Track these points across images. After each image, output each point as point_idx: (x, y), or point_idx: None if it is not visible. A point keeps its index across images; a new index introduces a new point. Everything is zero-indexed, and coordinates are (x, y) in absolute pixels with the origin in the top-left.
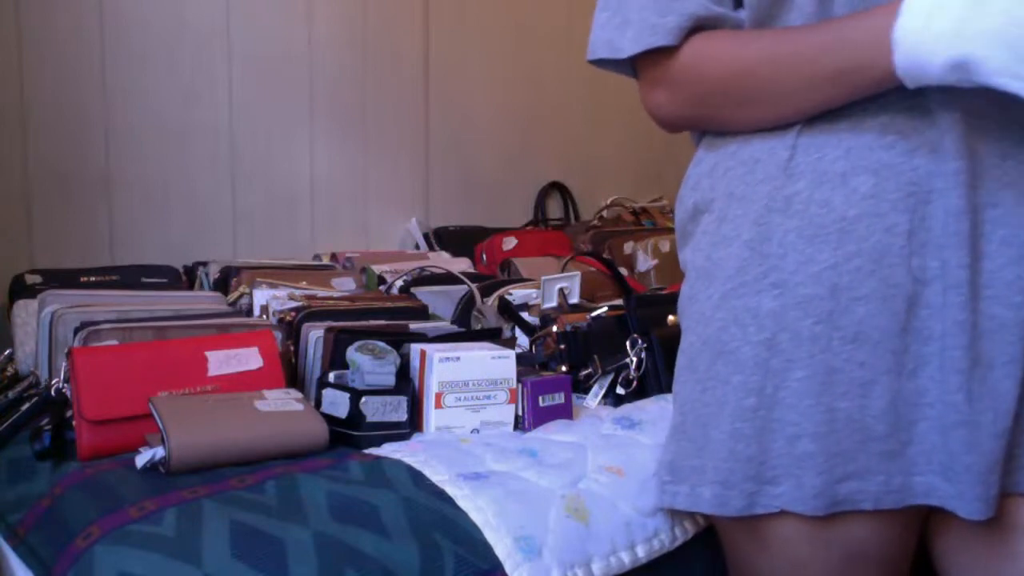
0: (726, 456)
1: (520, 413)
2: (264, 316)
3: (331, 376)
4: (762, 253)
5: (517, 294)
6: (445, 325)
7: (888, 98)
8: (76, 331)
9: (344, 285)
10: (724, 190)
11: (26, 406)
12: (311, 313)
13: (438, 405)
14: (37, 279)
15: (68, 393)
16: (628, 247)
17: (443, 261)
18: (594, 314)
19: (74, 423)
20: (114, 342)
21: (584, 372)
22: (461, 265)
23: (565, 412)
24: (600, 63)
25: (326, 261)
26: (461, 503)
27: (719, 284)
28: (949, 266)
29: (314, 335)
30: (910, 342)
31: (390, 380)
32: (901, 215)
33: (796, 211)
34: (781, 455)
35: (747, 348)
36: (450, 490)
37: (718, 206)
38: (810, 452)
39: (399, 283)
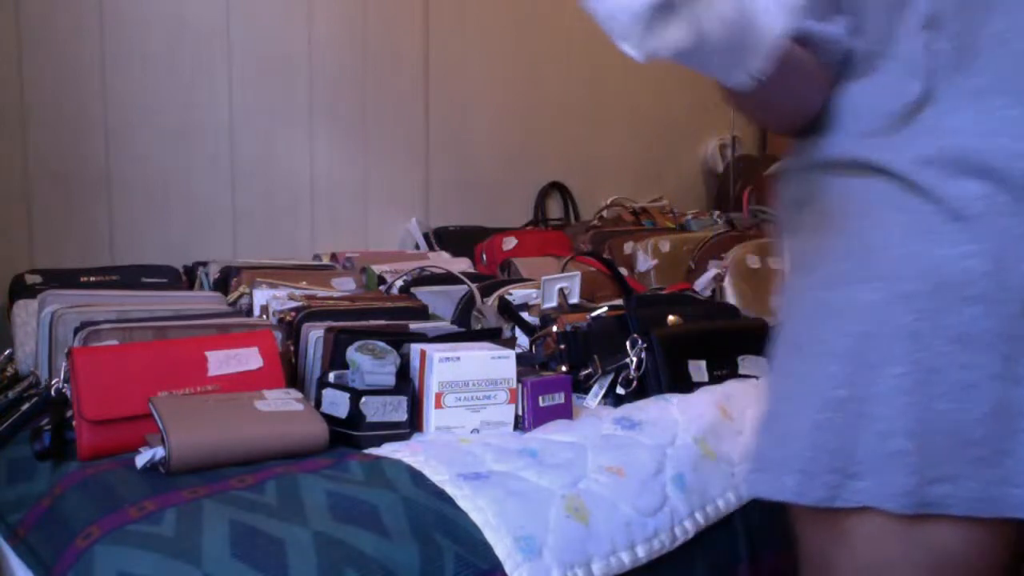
0: (810, 445)
1: (520, 413)
2: (264, 316)
3: (331, 376)
4: (866, 246)
5: (517, 294)
6: (445, 325)
7: None
8: (76, 331)
9: (344, 285)
10: (826, 183)
11: (26, 406)
12: (311, 313)
13: (438, 405)
14: (37, 279)
15: (68, 393)
16: (628, 247)
17: (443, 261)
18: (594, 314)
19: (74, 423)
20: (114, 342)
21: (584, 372)
22: (461, 265)
23: (565, 412)
24: None
25: (326, 261)
26: (461, 503)
27: (818, 274)
28: None
29: (314, 335)
30: (1021, 349)
31: (390, 380)
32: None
33: (905, 206)
34: (870, 450)
35: (843, 339)
36: (450, 490)
37: (820, 198)
38: (902, 450)
39: (399, 283)
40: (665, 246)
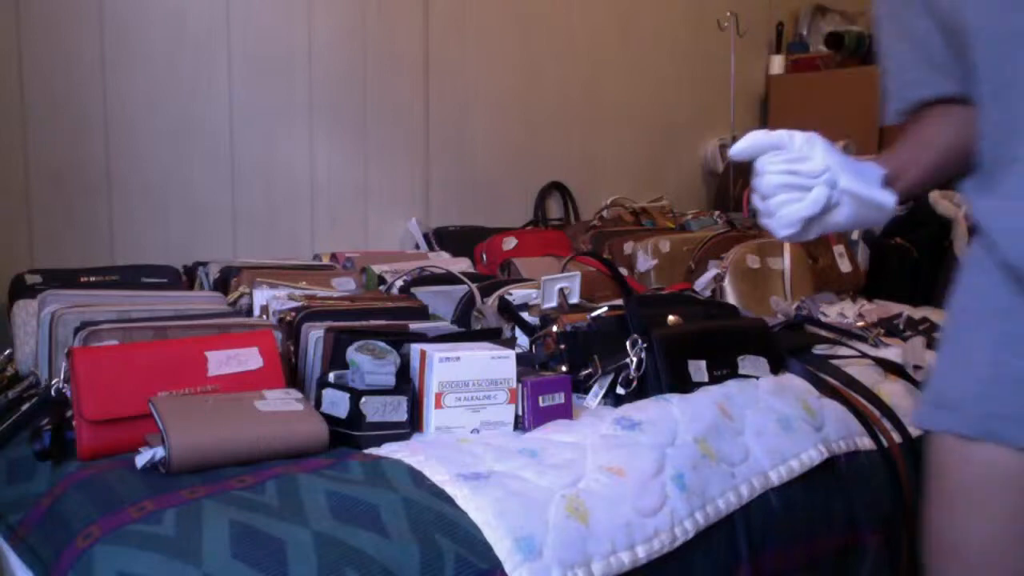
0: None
1: (520, 413)
2: (264, 316)
3: (331, 376)
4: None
5: (517, 294)
6: (445, 325)
7: None
8: (76, 331)
9: (344, 285)
10: None
11: (26, 406)
12: (311, 313)
13: (438, 405)
14: (37, 279)
15: (68, 393)
16: (628, 247)
17: (443, 261)
18: (594, 314)
19: (74, 423)
20: (114, 342)
21: (584, 372)
22: (461, 265)
23: (565, 412)
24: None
25: (326, 261)
26: (461, 503)
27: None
28: None
29: (314, 335)
30: None
31: (390, 380)
32: None
33: None
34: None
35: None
36: (450, 490)
37: None
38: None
39: (399, 283)
40: (665, 246)
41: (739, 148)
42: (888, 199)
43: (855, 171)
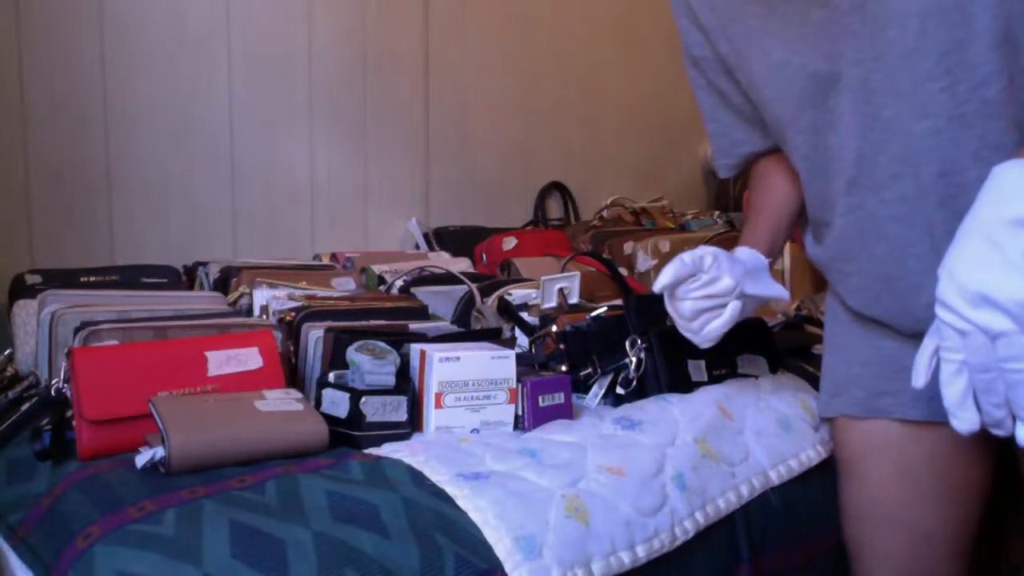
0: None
1: (520, 413)
2: (264, 316)
3: (331, 376)
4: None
5: (517, 294)
6: (445, 325)
7: None
8: (76, 331)
9: (344, 285)
10: None
11: (26, 406)
12: (311, 313)
13: (438, 405)
14: (37, 279)
15: (68, 393)
16: (628, 247)
17: (443, 261)
18: (594, 314)
19: (74, 423)
20: (114, 342)
21: (584, 372)
22: (461, 265)
23: (565, 412)
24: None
25: (326, 261)
26: (461, 503)
27: None
28: None
29: (314, 335)
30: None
31: (390, 380)
32: None
33: None
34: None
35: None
36: (450, 490)
37: None
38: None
39: (399, 283)
40: (665, 246)
41: (663, 284)
42: (783, 293)
43: (752, 276)
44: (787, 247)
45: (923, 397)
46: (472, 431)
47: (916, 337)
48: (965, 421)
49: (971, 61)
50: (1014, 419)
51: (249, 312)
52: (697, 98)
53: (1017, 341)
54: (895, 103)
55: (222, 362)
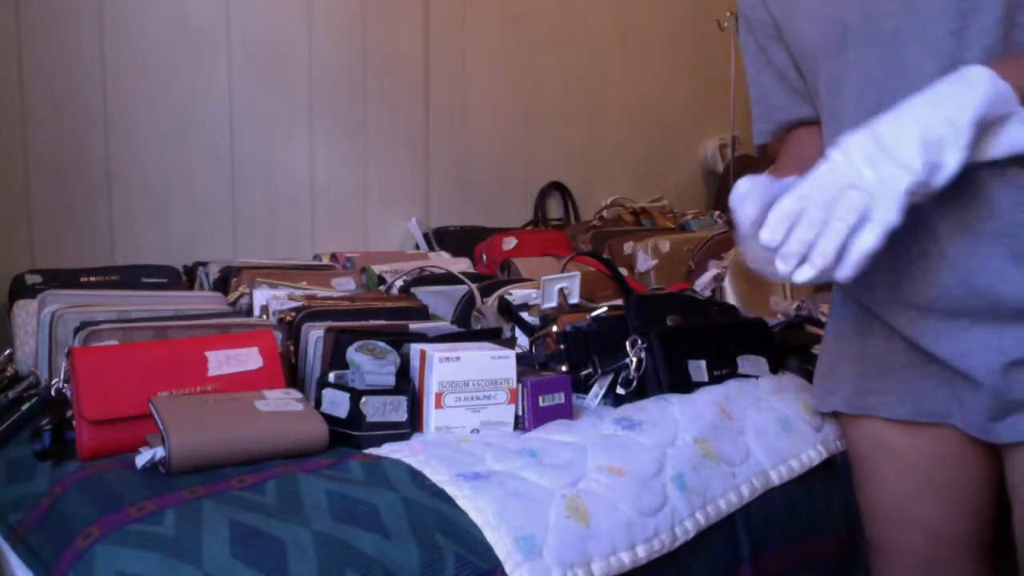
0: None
1: (520, 413)
2: (264, 316)
3: (331, 376)
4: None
5: (517, 294)
6: (445, 325)
7: None
8: (76, 331)
9: (344, 285)
10: None
11: (26, 406)
12: (311, 313)
13: (438, 405)
14: (37, 279)
15: (68, 393)
16: (628, 247)
17: (443, 261)
18: (594, 314)
19: (74, 423)
20: (114, 342)
21: (584, 372)
22: (461, 265)
23: (565, 412)
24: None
25: (326, 261)
26: (461, 503)
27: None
28: None
29: (314, 335)
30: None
31: (390, 380)
32: None
33: None
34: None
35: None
36: (450, 490)
37: None
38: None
39: (399, 283)
40: (665, 246)
41: (751, 218)
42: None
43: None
44: None
45: (908, 398)
46: (472, 431)
47: (905, 340)
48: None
49: (980, 5)
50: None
51: (249, 312)
52: (745, 63)
53: (860, 199)
54: (918, 48)
55: (222, 362)
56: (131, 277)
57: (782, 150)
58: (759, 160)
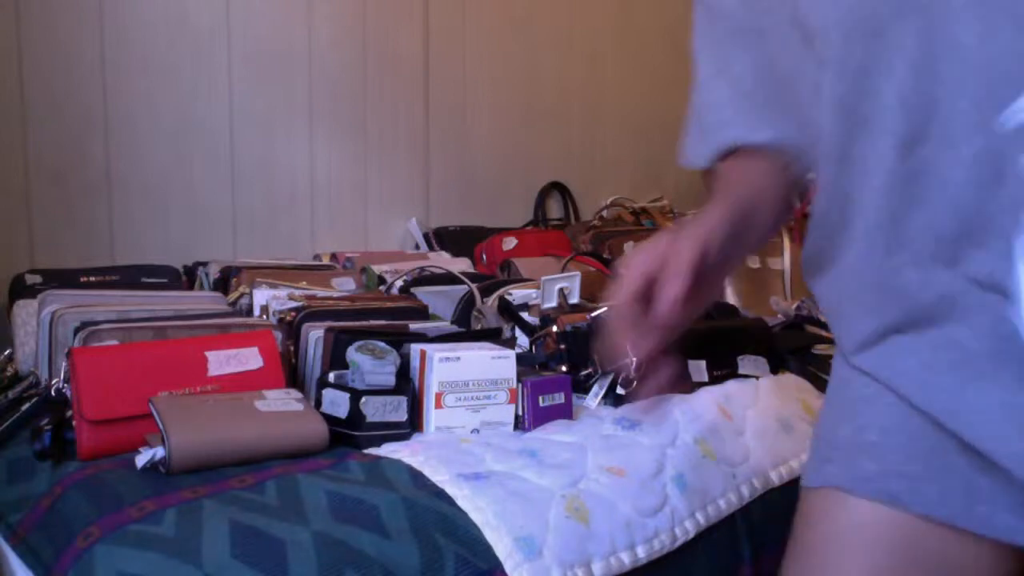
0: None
1: (520, 413)
2: (264, 316)
3: (331, 376)
4: None
5: (517, 294)
6: (445, 325)
7: None
8: (76, 331)
9: (344, 285)
10: None
11: (26, 406)
12: (311, 313)
13: (438, 405)
14: (37, 279)
15: (68, 393)
16: (628, 247)
17: (443, 261)
18: (594, 314)
19: (74, 423)
20: (114, 342)
21: (584, 372)
22: (461, 265)
23: (565, 412)
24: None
25: (326, 261)
26: (461, 503)
27: None
28: None
29: (314, 335)
30: None
31: (390, 380)
32: None
33: None
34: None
35: None
36: (450, 490)
37: None
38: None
39: (399, 283)
40: None
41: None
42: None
43: None
44: (787, 247)
45: (958, 491)
46: (472, 431)
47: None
48: None
49: None
50: None
51: (249, 312)
52: (697, 60)
53: None
54: (976, 22)
55: (222, 362)
56: (131, 277)
57: (720, 183)
58: None
